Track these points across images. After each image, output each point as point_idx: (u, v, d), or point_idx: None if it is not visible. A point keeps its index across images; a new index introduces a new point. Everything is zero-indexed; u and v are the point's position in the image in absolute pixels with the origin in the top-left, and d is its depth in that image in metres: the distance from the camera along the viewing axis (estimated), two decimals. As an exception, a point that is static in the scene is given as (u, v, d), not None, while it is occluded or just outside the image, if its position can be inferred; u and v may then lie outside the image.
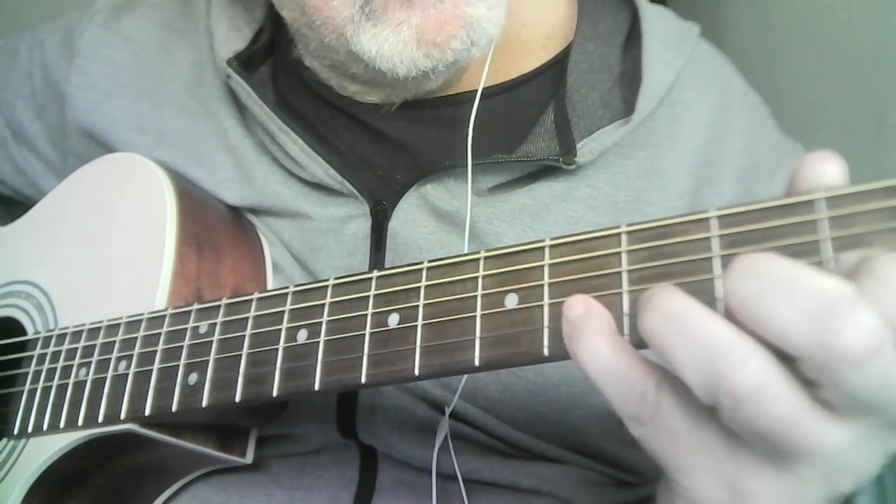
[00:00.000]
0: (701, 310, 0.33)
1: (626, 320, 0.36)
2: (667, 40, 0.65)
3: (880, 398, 0.30)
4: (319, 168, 0.62)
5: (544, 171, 0.61)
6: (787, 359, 0.31)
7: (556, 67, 0.66)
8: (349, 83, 0.65)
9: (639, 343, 0.36)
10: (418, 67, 0.55)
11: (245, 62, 0.66)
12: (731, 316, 0.32)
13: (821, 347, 0.29)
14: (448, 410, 0.58)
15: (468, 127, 0.60)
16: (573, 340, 0.36)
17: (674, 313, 0.33)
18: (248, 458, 0.60)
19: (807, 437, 0.31)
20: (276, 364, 0.47)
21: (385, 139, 0.65)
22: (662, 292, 0.34)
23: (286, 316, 0.48)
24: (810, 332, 0.30)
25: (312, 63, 0.66)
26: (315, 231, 0.63)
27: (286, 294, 0.48)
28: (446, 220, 0.61)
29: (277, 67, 0.70)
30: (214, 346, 0.50)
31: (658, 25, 0.66)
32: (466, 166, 0.59)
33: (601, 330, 0.36)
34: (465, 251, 0.58)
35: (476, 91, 0.62)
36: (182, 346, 0.51)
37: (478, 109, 0.61)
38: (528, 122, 0.63)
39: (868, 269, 0.30)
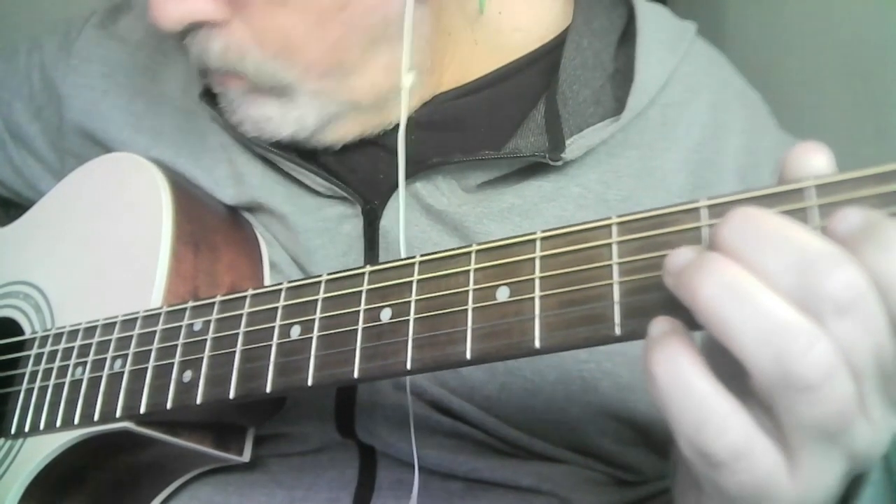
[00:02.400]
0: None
1: (616, 308, 0.36)
2: (662, 39, 0.65)
3: (866, 345, 0.30)
4: (306, 179, 0.63)
5: (534, 168, 0.61)
6: None
7: (547, 59, 0.65)
8: None
9: (632, 334, 0.36)
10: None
11: None
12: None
13: (806, 292, 0.30)
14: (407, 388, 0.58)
15: (455, 123, 0.61)
16: (652, 351, 0.33)
17: (735, 285, 0.31)
18: (246, 457, 0.60)
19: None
20: (269, 360, 0.47)
21: (371, 144, 0.65)
22: (720, 261, 0.32)
23: (279, 312, 0.48)
24: (795, 283, 0.30)
25: None
26: (310, 231, 0.63)
27: (280, 290, 0.49)
28: (437, 219, 0.61)
29: None
30: (209, 343, 0.50)
31: (653, 24, 0.65)
32: (455, 163, 0.60)
33: (686, 350, 0.33)
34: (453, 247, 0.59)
35: (470, 83, 0.64)
36: (177, 344, 0.51)
37: (467, 104, 0.62)
38: (518, 116, 0.62)
39: (877, 239, 0.31)
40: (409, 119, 0.61)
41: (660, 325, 0.34)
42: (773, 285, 0.31)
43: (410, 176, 0.61)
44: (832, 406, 0.31)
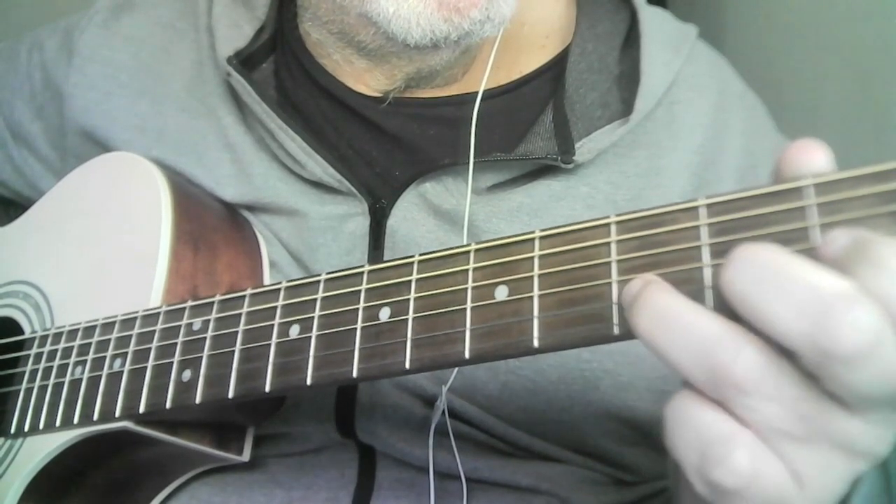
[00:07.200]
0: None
1: (615, 307, 0.36)
2: (665, 41, 0.65)
3: (882, 391, 0.29)
4: (318, 166, 0.62)
5: (543, 170, 0.61)
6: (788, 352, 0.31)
7: (556, 68, 0.66)
8: (355, 56, 0.64)
9: (630, 333, 0.36)
10: (434, 33, 0.55)
11: (246, 60, 0.67)
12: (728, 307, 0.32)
13: (816, 346, 0.29)
14: (439, 404, 0.58)
15: (471, 125, 0.60)
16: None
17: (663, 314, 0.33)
18: (245, 457, 0.60)
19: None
20: (268, 359, 0.47)
21: (385, 135, 0.65)
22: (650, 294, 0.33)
23: (279, 311, 0.48)
24: (805, 331, 0.29)
25: (320, 33, 0.65)
26: (313, 229, 0.63)
27: (279, 290, 0.48)
28: (445, 219, 0.62)
29: (280, 62, 0.70)
30: (208, 342, 0.50)
31: (656, 27, 0.66)
32: (466, 164, 0.60)
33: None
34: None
35: (478, 91, 0.63)
36: (176, 343, 0.51)
37: (480, 109, 0.61)
38: (527, 121, 0.63)
39: (868, 258, 0.29)
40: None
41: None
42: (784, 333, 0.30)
43: (420, 176, 0.62)
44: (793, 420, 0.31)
